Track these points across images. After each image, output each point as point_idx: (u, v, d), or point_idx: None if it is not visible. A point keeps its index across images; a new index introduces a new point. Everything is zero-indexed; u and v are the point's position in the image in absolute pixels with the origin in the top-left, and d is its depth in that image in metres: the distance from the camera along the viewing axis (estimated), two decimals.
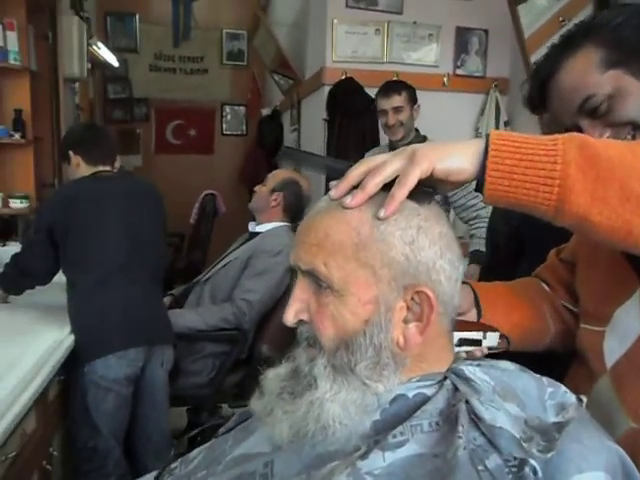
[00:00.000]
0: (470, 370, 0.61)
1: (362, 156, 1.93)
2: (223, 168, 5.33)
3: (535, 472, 0.53)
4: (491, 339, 0.78)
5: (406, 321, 0.59)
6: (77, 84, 3.29)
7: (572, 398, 0.63)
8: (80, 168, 1.75)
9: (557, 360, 0.87)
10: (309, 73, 3.35)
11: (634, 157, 0.57)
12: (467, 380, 0.59)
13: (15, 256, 1.70)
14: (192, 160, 5.33)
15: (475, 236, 2.29)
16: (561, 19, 2.41)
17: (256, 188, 2.16)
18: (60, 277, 1.71)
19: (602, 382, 0.75)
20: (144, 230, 1.76)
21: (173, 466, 0.75)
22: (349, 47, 2.90)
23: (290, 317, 0.61)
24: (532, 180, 0.56)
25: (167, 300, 2.15)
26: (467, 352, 0.75)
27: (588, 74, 0.75)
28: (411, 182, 0.57)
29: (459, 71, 2.99)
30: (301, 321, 0.62)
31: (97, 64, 4.18)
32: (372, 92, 2.80)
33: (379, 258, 0.57)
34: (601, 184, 0.55)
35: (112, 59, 4.16)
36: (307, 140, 3.50)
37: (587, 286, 0.84)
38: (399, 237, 0.58)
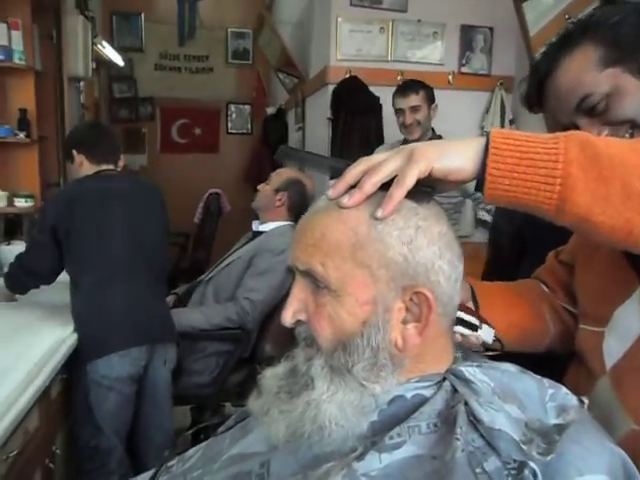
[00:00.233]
0: (470, 371, 0.60)
1: (367, 155, 1.92)
2: (228, 167, 5.34)
3: (535, 475, 0.53)
4: (486, 333, 0.78)
5: (405, 322, 0.58)
6: (82, 83, 3.30)
7: (573, 400, 0.63)
8: (83, 167, 1.75)
9: (556, 361, 0.86)
10: (313, 72, 3.34)
11: (635, 155, 0.56)
12: (466, 381, 0.59)
13: (19, 256, 1.71)
14: (197, 159, 5.34)
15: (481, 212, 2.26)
16: (567, 17, 2.39)
17: (259, 187, 2.15)
18: (64, 276, 1.71)
19: (602, 383, 0.74)
20: (147, 230, 1.76)
21: (170, 464, 0.75)
22: (353, 45, 2.89)
23: (288, 317, 0.61)
24: (533, 179, 0.55)
25: (170, 299, 2.15)
26: (462, 335, 0.74)
27: (586, 72, 0.74)
28: (409, 182, 0.56)
29: (464, 69, 2.97)
30: (299, 321, 0.61)
31: (102, 63, 4.19)
32: (376, 90, 2.80)
33: (377, 258, 0.57)
34: (603, 183, 0.54)
35: (117, 58, 4.17)
36: (312, 139, 3.49)
37: (586, 287, 0.83)
38: (397, 237, 0.57)
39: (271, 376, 0.64)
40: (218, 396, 2.06)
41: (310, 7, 3.36)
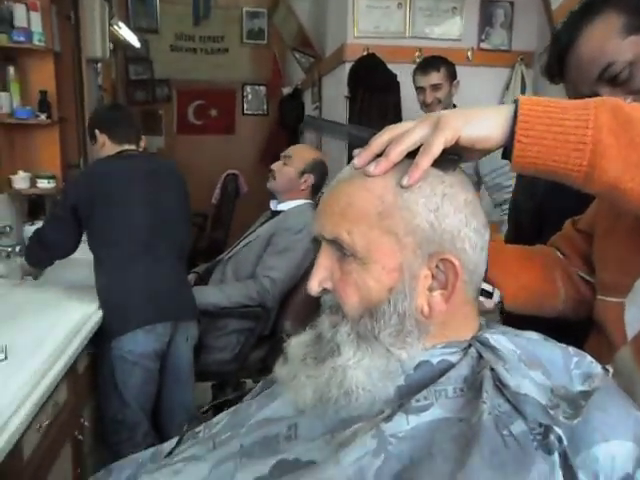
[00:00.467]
0: (495, 338, 0.60)
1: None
2: (244, 148, 5.34)
3: (560, 440, 0.53)
4: (497, 296, 0.79)
5: (431, 289, 0.59)
6: (99, 65, 3.31)
7: (598, 368, 0.63)
8: (106, 147, 1.77)
9: (577, 330, 0.86)
10: (330, 50, 3.31)
11: None
12: (492, 348, 0.59)
13: (38, 229, 1.75)
14: (214, 140, 5.34)
15: (505, 223, 2.22)
16: None
17: (275, 167, 2.11)
18: (89, 254, 1.75)
19: (623, 353, 0.74)
20: (169, 208, 1.78)
21: (197, 430, 0.77)
22: (371, 22, 2.85)
23: (314, 286, 0.62)
24: (563, 146, 0.55)
25: (191, 278, 2.18)
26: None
27: (608, 41, 0.74)
28: (436, 151, 0.56)
29: (483, 45, 2.91)
30: (325, 290, 0.62)
31: (118, 45, 4.20)
32: (394, 68, 2.77)
33: (403, 226, 0.57)
34: (634, 149, 0.54)
35: (134, 39, 4.16)
36: (329, 117, 3.47)
37: (605, 257, 0.83)
38: (423, 204, 0.57)
39: (296, 344, 0.65)
40: (239, 373, 2.09)
41: None
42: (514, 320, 0.96)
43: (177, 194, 1.83)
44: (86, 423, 1.52)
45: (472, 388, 0.56)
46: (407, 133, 0.58)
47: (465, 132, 0.57)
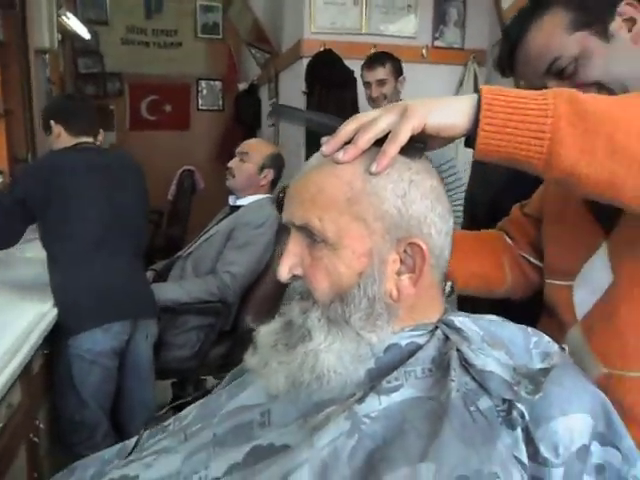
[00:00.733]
0: (460, 320, 0.63)
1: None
2: (200, 144, 5.26)
3: (522, 416, 0.56)
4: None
5: (399, 273, 0.60)
6: (47, 56, 3.18)
7: (555, 347, 0.66)
8: (61, 138, 1.71)
9: (522, 309, 0.91)
10: (287, 45, 3.30)
11: (621, 111, 0.58)
12: (457, 330, 0.62)
13: None
14: (168, 136, 5.23)
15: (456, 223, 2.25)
16: None
17: (233, 165, 2.08)
18: (40, 252, 1.69)
19: (573, 332, 0.79)
20: (126, 203, 1.74)
21: (166, 423, 0.76)
22: (327, 18, 2.86)
23: (284, 272, 0.62)
24: (524, 134, 0.57)
25: (149, 275, 2.13)
26: None
27: (556, 36, 0.78)
28: (403, 138, 0.58)
29: (438, 43, 2.98)
30: (295, 276, 0.63)
31: (67, 37, 4.05)
32: (351, 64, 2.79)
33: (372, 211, 0.58)
34: (590, 137, 0.56)
35: (83, 31, 4.03)
36: None
37: (554, 242, 0.87)
38: (391, 190, 0.59)
39: (266, 332, 0.66)
40: (199, 370, 2.07)
41: None
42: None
43: (135, 189, 1.79)
44: (41, 425, 1.47)
45: (440, 368, 0.58)
46: (375, 121, 0.59)
47: (431, 120, 0.58)
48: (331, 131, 0.62)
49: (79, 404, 1.60)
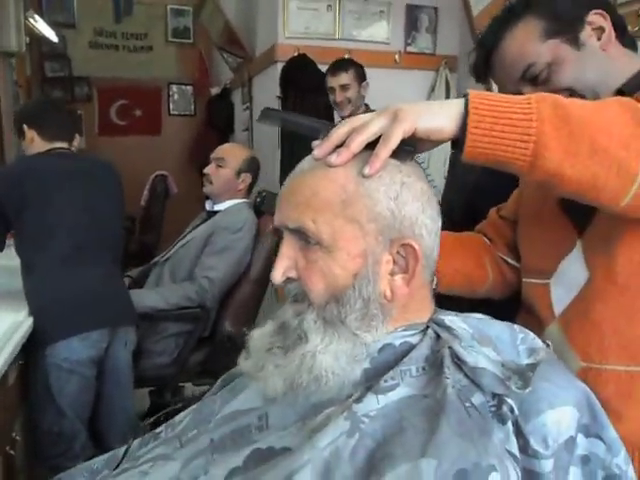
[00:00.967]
0: (450, 319, 0.64)
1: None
2: (172, 149, 5.19)
3: (512, 410, 0.58)
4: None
5: (392, 273, 0.62)
6: (14, 59, 3.10)
7: (540, 343, 0.69)
8: (35, 143, 1.67)
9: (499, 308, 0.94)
10: (260, 50, 3.30)
11: (601, 115, 0.61)
12: (448, 328, 0.63)
13: None
14: (138, 142, 5.15)
15: None
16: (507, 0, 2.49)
17: (210, 171, 2.07)
18: (11, 260, 1.64)
19: (552, 328, 0.82)
20: (103, 209, 1.72)
21: (158, 431, 0.76)
22: (301, 23, 2.88)
23: (278, 275, 0.63)
24: (510, 137, 0.59)
25: (125, 282, 2.10)
26: None
27: (529, 43, 0.81)
28: (394, 141, 0.59)
29: (410, 48, 3.02)
30: (289, 279, 0.63)
31: (33, 40, 3.95)
32: (325, 69, 2.80)
33: (366, 213, 0.60)
34: (573, 140, 0.59)
35: (51, 34, 3.94)
36: None
37: (529, 242, 0.90)
38: (384, 192, 0.60)
39: (259, 335, 0.66)
40: (178, 377, 2.04)
41: None
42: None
43: (112, 196, 1.77)
44: (18, 437, 1.42)
45: (433, 366, 0.60)
46: (366, 124, 0.61)
47: (421, 124, 0.60)
48: (321, 134, 0.63)
49: (57, 415, 1.57)
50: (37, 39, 3.99)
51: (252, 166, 2.11)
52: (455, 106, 0.61)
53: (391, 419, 0.55)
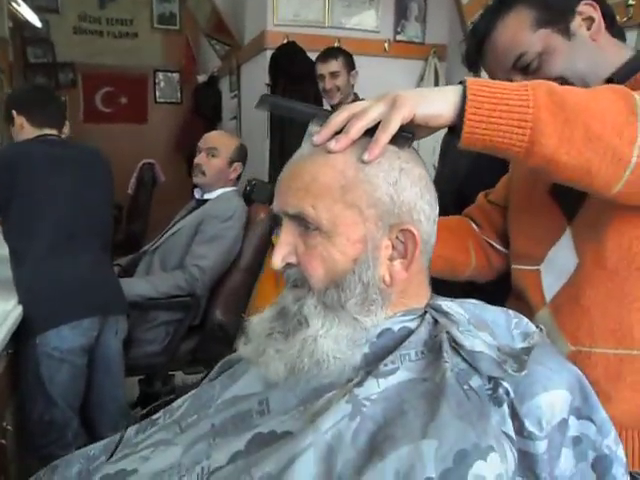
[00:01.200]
0: (447, 305, 0.65)
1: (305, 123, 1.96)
2: (158, 137, 5.14)
3: (507, 393, 0.59)
4: None
5: (391, 259, 0.62)
6: None
7: (533, 327, 0.70)
8: (24, 130, 1.65)
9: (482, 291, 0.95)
10: (249, 37, 3.27)
11: (595, 102, 0.62)
12: (445, 313, 0.64)
13: None
14: (124, 129, 5.09)
15: None
16: None
17: (202, 161, 2.04)
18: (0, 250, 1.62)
19: (542, 313, 0.83)
20: (94, 198, 1.70)
21: (156, 417, 0.76)
22: (290, 10, 2.86)
23: (278, 261, 0.63)
24: (507, 123, 0.60)
25: (115, 270, 2.08)
26: None
27: (521, 33, 0.82)
28: (393, 127, 0.60)
29: (399, 37, 3.01)
30: (288, 264, 0.63)
31: (16, 25, 3.87)
32: (315, 56, 2.78)
33: (365, 199, 0.60)
34: (568, 126, 0.60)
35: (34, 19, 3.86)
36: (249, 106, 3.44)
37: (520, 229, 0.91)
38: (383, 178, 0.60)
39: (259, 321, 0.66)
40: (169, 365, 2.04)
41: None
42: None
43: (102, 184, 1.75)
44: (9, 427, 1.42)
45: (432, 351, 0.61)
46: (365, 111, 0.61)
47: (420, 110, 0.60)
48: (319, 121, 0.63)
49: (48, 404, 1.56)
50: (19, 24, 3.91)
51: (242, 154, 2.11)
52: (453, 93, 0.62)
53: (392, 402, 0.55)
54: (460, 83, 0.63)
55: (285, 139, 2.74)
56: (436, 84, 3.02)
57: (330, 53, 2.44)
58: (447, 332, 0.61)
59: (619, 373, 0.76)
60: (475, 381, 0.58)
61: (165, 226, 2.19)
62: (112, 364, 1.75)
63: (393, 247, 0.62)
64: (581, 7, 0.82)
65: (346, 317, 0.61)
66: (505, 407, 0.58)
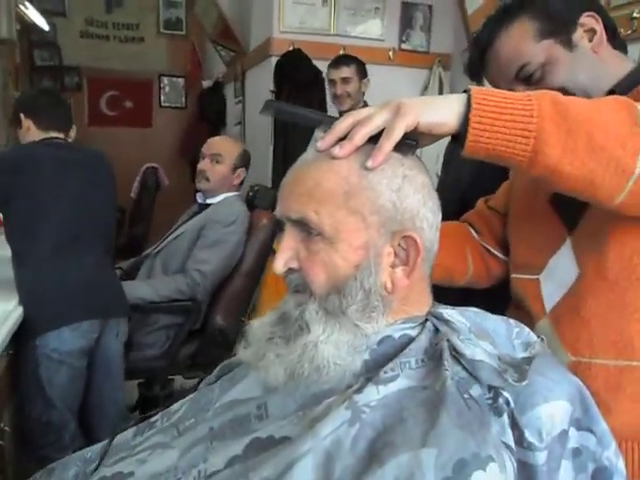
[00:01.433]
0: (448, 313, 0.65)
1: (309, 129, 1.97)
2: (162, 142, 5.16)
3: (508, 403, 0.59)
4: None
5: (393, 266, 0.62)
6: (3, 47, 3.06)
7: (535, 337, 0.70)
8: (31, 132, 1.68)
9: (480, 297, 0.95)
10: (254, 43, 3.29)
11: (598, 113, 0.62)
12: (446, 321, 0.64)
13: None
14: (129, 133, 5.11)
15: None
16: (501, 0, 2.50)
17: (206, 167, 2.04)
18: (0, 250, 1.62)
19: (542, 323, 0.83)
20: (97, 201, 1.71)
21: (153, 420, 0.76)
22: (296, 18, 2.88)
23: (280, 266, 0.63)
24: (511, 132, 0.60)
25: (116, 273, 2.09)
26: None
27: (523, 43, 0.82)
28: (397, 134, 0.60)
29: (404, 46, 3.03)
30: (290, 269, 0.63)
31: (23, 28, 3.89)
32: (320, 64, 2.81)
33: (368, 205, 0.60)
34: (571, 137, 0.60)
35: (42, 22, 3.89)
36: (253, 112, 3.45)
37: (520, 238, 0.91)
38: (386, 185, 0.60)
39: (260, 325, 0.66)
40: (168, 369, 2.04)
41: None
42: None
43: (106, 187, 1.77)
44: (6, 428, 1.41)
45: (432, 359, 0.60)
46: (370, 117, 0.61)
47: (423, 118, 0.61)
48: (324, 127, 0.63)
49: (46, 405, 1.56)
50: (26, 27, 3.93)
51: (245, 160, 2.11)
52: (457, 101, 0.62)
53: (391, 409, 0.55)
54: (464, 92, 0.63)
55: (288, 145, 2.75)
56: (440, 93, 3.02)
57: (342, 59, 2.47)
58: (448, 340, 0.61)
59: (619, 384, 0.75)
60: (475, 390, 0.58)
61: (167, 230, 2.20)
62: (112, 366, 1.75)
63: (395, 254, 0.62)
64: (583, 19, 0.82)
65: (347, 323, 0.61)
66: (505, 417, 0.58)
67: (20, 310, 1.52)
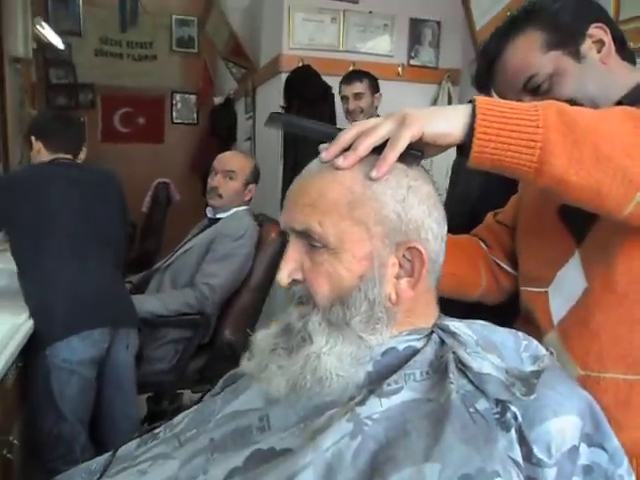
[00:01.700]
0: (454, 325, 0.64)
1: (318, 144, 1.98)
2: (174, 157, 5.21)
3: (515, 418, 0.57)
4: None
5: (398, 277, 0.62)
6: (20, 65, 3.12)
7: (543, 350, 0.68)
8: (41, 154, 1.74)
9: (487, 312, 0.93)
10: (265, 60, 3.33)
11: (604, 123, 0.62)
12: (452, 334, 0.63)
13: None
14: (141, 149, 5.18)
15: None
16: (509, 13, 2.51)
17: (218, 184, 2.05)
18: (10, 263, 1.65)
19: (550, 336, 0.82)
20: (107, 217, 1.75)
21: (157, 431, 0.75)
22: (306, 35, 2.91)
23: (284, 277, 0.63)
24: (517, 143, 0.60)
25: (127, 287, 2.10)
26: None
27: (531, 55, 0.82)
28: (402, 145, 0.60)
29: (413, 61, 3.05)
30: (294, 281, 0.63)
31: (39, 46, 3.99)
32: (329, 80, 2.83)
33: (373, 216, 0.60)
34: (577, 147, 0.60)
35: (57, 41, 3.98)
36: (263, 128, 3.47)
37: (528, 251, 0.90)
38: (391, 196, 0.60)
39: (263, 337, 0.66)
40: (177, 383, 2.03)
41: None
42: None
43: (111, 202, 1.81)
44: (15, 441, 1.41)
45: (437, 371, 0.60)
46: (374, 128, 0.61)
47: (428, 129, 0.60)
48: (329, 139, 0.64)
49: (57, 417, 1.56)
50: (42, 46, 4.02)
51: (256, 176, 2.13)
52: (462, 112, 0.62)
53: (394, 422, 0.54)
54: (470, 102, 0.63)
55: (298, 160, 2.77)
56: None
57: (355, 75, 2.49)
58: (454, 353, 0.60)
59: (629, 399, 0.74)
60: (482, 404, 0.57)
61: (178, 244, 2.21)
62: (123, 380, 1.75)
63: (400, 265, 0.62)
64: (591, 30, 0.82)
65: (351, 335, 0.60)
66: (513, 432, 0.57)
67: (30, 323, 1.53)
